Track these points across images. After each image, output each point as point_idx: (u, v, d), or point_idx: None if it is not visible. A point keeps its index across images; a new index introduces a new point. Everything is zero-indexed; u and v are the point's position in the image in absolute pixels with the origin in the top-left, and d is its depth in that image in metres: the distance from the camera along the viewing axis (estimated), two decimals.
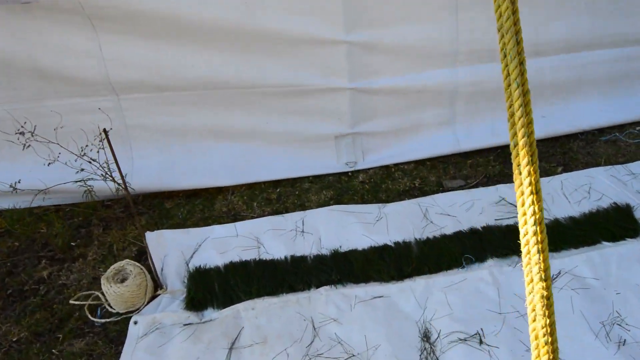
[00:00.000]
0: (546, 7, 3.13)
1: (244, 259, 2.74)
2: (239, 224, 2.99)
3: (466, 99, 3.31)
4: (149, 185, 3.19)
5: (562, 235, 2.70)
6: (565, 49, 3.23)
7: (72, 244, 2.95)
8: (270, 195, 3.22)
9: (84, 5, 2.71)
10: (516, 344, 2.23)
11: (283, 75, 3.09)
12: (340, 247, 2.78)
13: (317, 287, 2.56)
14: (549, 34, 3.16)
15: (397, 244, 2.77)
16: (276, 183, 3.29)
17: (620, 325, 2.26)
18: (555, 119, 3.43)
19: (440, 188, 3.18)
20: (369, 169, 3.35)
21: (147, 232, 2.88)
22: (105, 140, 2.29)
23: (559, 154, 3.35)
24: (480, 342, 2.25)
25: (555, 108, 3.44)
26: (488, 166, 3.31)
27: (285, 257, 2.73)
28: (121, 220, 3.11)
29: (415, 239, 2.79)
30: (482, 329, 2.30)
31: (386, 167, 3.36)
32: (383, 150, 3.40)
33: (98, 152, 2.37)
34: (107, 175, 2.37)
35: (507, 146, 3.40)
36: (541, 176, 3.16)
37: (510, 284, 2.49)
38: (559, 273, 2.51)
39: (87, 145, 2.39)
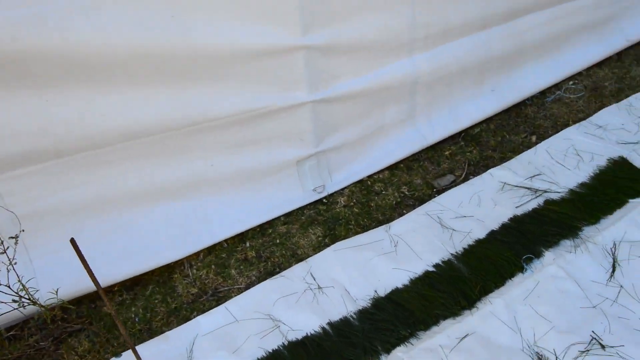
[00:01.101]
0: None
1: (270, 350, 2.11)
2: (229, 303, 2.32)
3: (425, 88, 3.08)
4: (68, 290, 2.30)
5: (590, 205, 2.63)
6: (508, 16, 3.21)
7: None
8: (245, 254, 2.58)
9: None
10: (633, 334, 2.06)
11: (230, 102, 2.48)
12: (376, 291, 2.32)
13: (388, 351, 2.07)
14: (493, 5, 3.10)
15: (438, 266, 2.41)
16: (242, 237, 2.66)
17: None
18: (504, 91, 3.42)
19: (434, 189, 2.91)
20: (343, 189, 2.92)
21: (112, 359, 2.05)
22: None
23: (522, 124, 3.34)
24: (603, 346, 2.03)
25: (502, 79, 3.42)
26: (465, 153, 3.14)
27: (324, 329, 2.17)
28: (48, 354, 2.18)
29: (452, 254, 2.47)
30: (593, 332, 2.09)
31: (361, 183, 2.97)
32: (350, 164, 3.00)
33: None
34: None
35: (470, 128, 3.29)
36: (520, 149, 3.14)
37: (583, 271, 2.32)
38: (615, 245, 2.43)
39: None
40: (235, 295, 2.36)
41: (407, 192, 2.90)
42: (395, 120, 3.09)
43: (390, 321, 2.16)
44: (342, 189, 2.93)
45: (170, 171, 2.52)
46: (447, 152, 3.15)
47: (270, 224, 2.73)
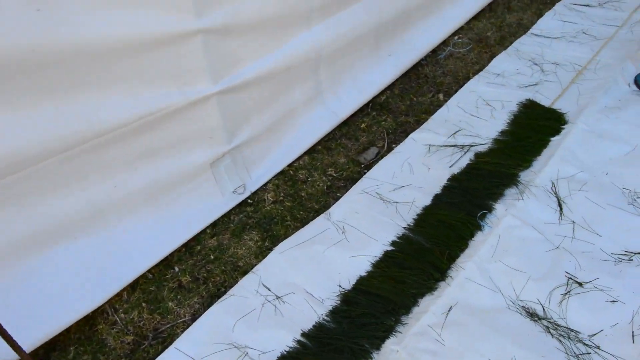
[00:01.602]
0: None
1: None
2: (179, 342, 1.98)
3: (327, 62, 2.92)
4: None
5: (519, 150, 2.67)
6: None
7: None
8: (178, 280, 2.24)
9: None
10: (602, 264, 2.10)
11: (123, 108, 2.09)
12: (341, 286, 2.13)
13: (378, 347, 1.89)
14: None
15: (395, 243, 2.28)
16: (167, 262, 2.31)
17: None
18: (400, 54, 3.39)
19: (361, 165, 2.77)
20: (266, 185, 2.67)
21: None
22: None
23: (424, 84, 3.33)
24: (580, 284, 2.05)
25: (396, 43, 3.38)
26: (380, 122, 3.04)
27: (300, 342, 1.93)
28: None
29: (405, 227, 2.36)
30: (566, 272, 2.10)
31: (283, 174, 2.74)
32: (267, 156, 2.76)
33: None
34: None
35: (376, 97, 3.21)
36: (432, 109, 3.12)
37: (535, 215, 2.33)
38: (554, 184, 2.48)
39: None
40: (182, 331, 2.03)
41: (334, 174, 2.74)
42: (303, 101, 2.90)
43: (369, 314, 1.98)
44: (265, 185, 2.68)
45: (67, 205, 2.09)
46: (362, 125, 3.03)
47: (197, 240, 2.41)
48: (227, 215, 2.52)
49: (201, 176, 2.50)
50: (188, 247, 2.37)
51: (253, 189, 2.64)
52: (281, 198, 2.61)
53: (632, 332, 1.87)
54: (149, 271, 2.26)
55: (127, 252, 2.25)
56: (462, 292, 2.05)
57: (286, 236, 2.38)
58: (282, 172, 2.75)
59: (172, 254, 2.33)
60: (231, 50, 2.38)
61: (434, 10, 3.62)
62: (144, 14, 2.01)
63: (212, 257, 2.33)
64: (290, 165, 2.79)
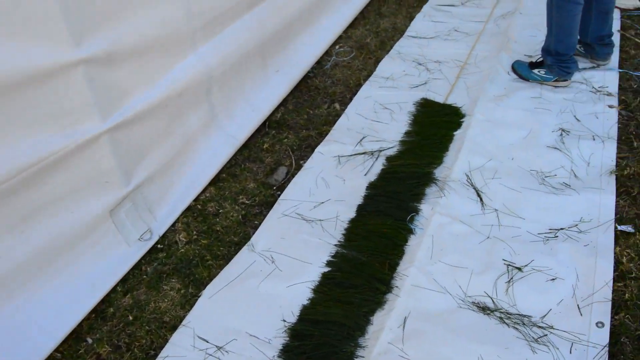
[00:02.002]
0: None
1: None
2: None
3: (219, 83, 2.77)
4: None
5: (428, 149, 2.71)
6: None
7: None
8: (95, 354, 1.93)
9: None
10: (533, 245, 2.17)
11: None
12: (285, 320, 1.98)
13: None
14: None
15: (331, 263, 2.18)
16: (76, 335, 1.99)
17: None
18: (287, 68, 3.32)
19: (274, 187, 2.64)
20: (174, 225, 2.44)
21: None
22: None
23: (317, 96, 3.28)
24: (519, 268, 2.09)
25: (281, 57, 3.31)
26: (282, 140, 2.94)
27: None
28: None
29: (337, 245, 2.27)
30: (503, 259, 2.13)
31: (190, 210, 2.53)
32: (170, 194, 2.53)
33: None
34: None
35: (271, 115, 3.11)
36: (331, 120, 3.08)
37: (460, 209, 2.36)
38: (468, 176, 2.54)
39: None
40: None
41: (247, 201, 2.57)
42: (200, 128, 2.71)
43: (325, 344, 1.85)
44: (174, 225, 2.45)
45: None
46: (265, 146, 2.90)
47: (107, 301, 2.11)
48: (137, 267, 2.25)
49: (101, 228, 2.21)
50: (99, 312, 2.07)
51: (161, 232, 2.39)
52: (195, 236, 2.39)
53: (577, 305, 1.94)
54: (56, 351, 1.93)
55: (24, 334, 1.91)
56: (413, 300, 2.00)
57: (211, 278, 2.18)
58: (189, 209, 2.53)
59: (80, 324, 2.01)
60: (118, 81, 2.15)
61: (312, 21, 3.62)
62: (12, 47, 1.73)
63: (130, 317, 2.05)
64: (196, 200, 2.58)
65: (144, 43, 2.25)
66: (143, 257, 2.29)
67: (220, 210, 2.53)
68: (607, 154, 2.58)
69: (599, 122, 2.79)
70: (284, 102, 3.23)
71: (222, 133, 2.83)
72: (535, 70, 3.14)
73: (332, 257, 2.21)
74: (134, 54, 2.20)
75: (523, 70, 3.19)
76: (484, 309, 1.96)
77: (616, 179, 2.44)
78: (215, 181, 2.69)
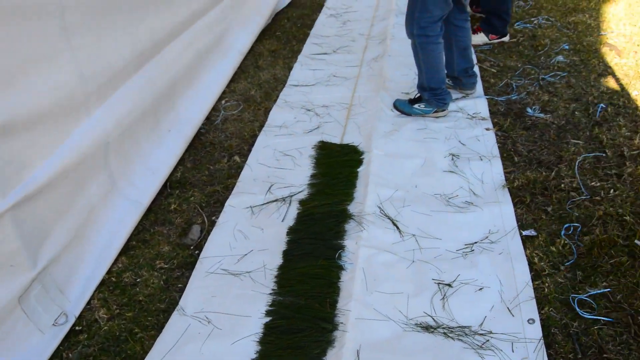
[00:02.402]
0: None
1: None
2: None
3: (116, 147, 2.67)
4: None
5: (337, 188, 2.83)
6: (154, 48, 3.07)
7: None
8: None
9: None
10: (456, 262, 2.34)
11: None
12: None
13: None
14: (139, 39, 2.91)
15: (270, 312, 2.17)
16: None
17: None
18: (178, 127, 3.30)
19: (191, 247, 2.58)
20: (90, 303, 2.28)
21: None
22: None
23: (214, 151, 3.28)
24: (449, 285, 2.24)
25: (171, 116, 3.28)
26: (188, 199, 2.88)
27: None
28: None
29: (270, 293, 2.26)
30: (433, 279, 2.27)
31: (105, 284, 2.38)
32: (80, 271, 2.36)
33: None
34: None
35: (171, 175, 3.06)
36: (234, 172, 3.10)
37: (381, 240, 2.48)
38: (380, 208, 2.69)
39: None
40: None
41: (165, 265, 2.48)
42: (101, 196, 2.58)
43: None
44: (90, 303, 2.28)
45: None
46: (172, 207, 2.83)
47: None
48: (57, 356, 2.05)
49: (10, 318, 2.00)
50: None
51: (77, 313, 2.22)
52: (117, 311, 2.24)
53: (507, 307, 2.12)
54: None
55: None
56: (360, 333, 2.05)
57: (146, 351, 2.05)
58: (103, 283, 2.38)
59: None
60: (16, 153, 2.01)
61: (196, 78, 3.65)
62: None
63: None
64: (109, 272, 2.43)
65: (38, 110, 2.13)
66: (61, 344, 2.10)
67: (138, 280, 2.41)
68: (496, 170, 2.89)
69: (481, 143, 3.12)
70: (181, 161, 3.18)
71: (125, 199, 2.71)
72: (416, 106, 3.44)
73: (270, 305, 2.20)
74: (28, 123, 2.08)
75: (405, 107, 3.48)
76: (427, 328, 2.06)
77: (509, 191, 2.73)
78: (125, 250, 2.56)
